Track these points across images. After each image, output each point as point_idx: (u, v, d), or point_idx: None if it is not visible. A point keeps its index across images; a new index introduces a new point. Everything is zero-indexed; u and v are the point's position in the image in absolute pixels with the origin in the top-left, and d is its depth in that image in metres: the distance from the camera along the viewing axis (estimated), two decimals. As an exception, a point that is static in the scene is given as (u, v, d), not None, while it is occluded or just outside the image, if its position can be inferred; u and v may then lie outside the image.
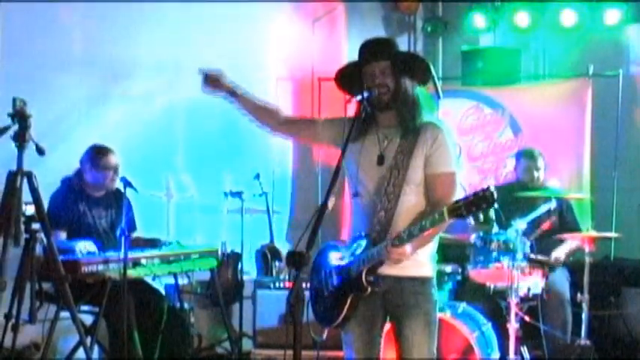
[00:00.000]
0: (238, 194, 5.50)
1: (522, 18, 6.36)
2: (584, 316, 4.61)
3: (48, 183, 4.07)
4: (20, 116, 3.47)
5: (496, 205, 4.60)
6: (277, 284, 5.34)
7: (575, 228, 4.97)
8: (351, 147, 2.94)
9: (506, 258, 4.40)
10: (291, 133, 3.37)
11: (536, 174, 5.07)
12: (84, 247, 4.14)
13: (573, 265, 4.95)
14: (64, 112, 5.23)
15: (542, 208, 4.74)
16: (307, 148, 6.51)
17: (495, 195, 2.54)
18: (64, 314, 3.84)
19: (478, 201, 2.57)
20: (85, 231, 4.37)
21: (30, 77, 4.97)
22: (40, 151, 3.53)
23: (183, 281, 4.97)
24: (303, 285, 2.67)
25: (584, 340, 4.60)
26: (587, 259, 4.60)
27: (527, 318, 4.53)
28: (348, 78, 3.06)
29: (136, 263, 4.17)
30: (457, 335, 4.19)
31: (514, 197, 4.91)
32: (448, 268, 4.54)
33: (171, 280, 4.88)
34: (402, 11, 6.83)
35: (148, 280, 4.53)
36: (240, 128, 5.99)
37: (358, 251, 2.91)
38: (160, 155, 5.64)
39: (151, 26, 5.64)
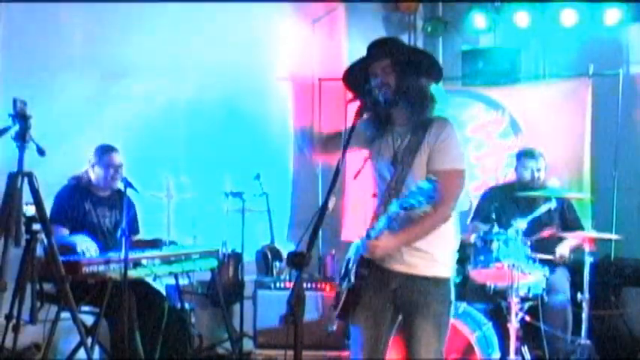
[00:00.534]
0: (239, 194, 5.51)
1: (522, 18, 6.35)
2: (584, 315, 4.60)
3: (49, 183, 4.07)
4: (21, 117, 3.48)
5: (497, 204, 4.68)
6: (278, 284, 5.35)
7: (577, 226, 4.98)
8: (372, 148, 3.04)
9: (509, 258, 4.39)
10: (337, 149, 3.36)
11: (536, 174, 5.08)
12: (84, 243, 4.14)
13: (574, 265, 4.95)
14: (64, 112, 5.23)
15: (543, 208, 4.75)
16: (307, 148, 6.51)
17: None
18: (65, 315, 3.84)
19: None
20: (88, 229, 4.39)
21: (30, 77, 4.98)
22: (41, 152, 3.54)
23: (184, 281, 4.97)
24: (304, 285, 2.68)
25: (584, 340, 4.60)
26: (588, 259, 4.60)
27: (527, 318, 4.53)
28: (355, 78, 3.08)
29: (137, 264, 4.17)
30: (458, 335, 4.18)
31: (514, 197, 4.92)
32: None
33: (172, 281, 4.89)
34: (402, 11, 6.82)
35: (149, 280, 4.53)
36: (240, 128, 6.02)
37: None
38: (160, 155, 5.64)
39: (151, 26, 5.64)
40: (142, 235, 4.76)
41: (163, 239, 4.72)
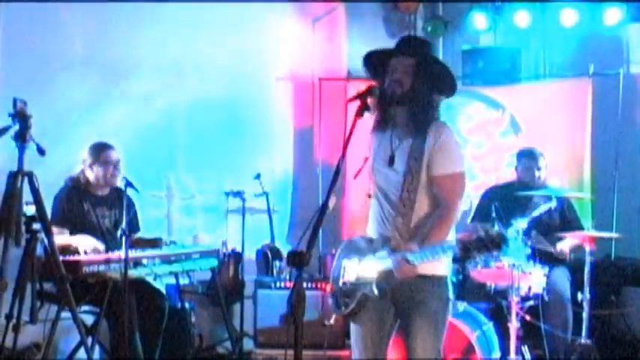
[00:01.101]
0: (239, 194, 5.50)
1: (522, 18, 6.35)
2: (584, 315, 4.60)
3: (49, 183, 4.07)
4: (21, 116, 3.47)
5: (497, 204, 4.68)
6: (278, 284, 5.34)
7: (578, 226, 4.98)
8: (371, 147, 3.08)
9: (509, 258, 4.39)
10: None
11: (537, 173, 5.07)
12: (85, 242, 4.14)
13: (574, 265, 4.95)
14: (64, 112, 5.24)
15: (543, 208, 4.75)
16: (308, 148, 6.52)
17: (506, 241, 2.72)
18: (65, 314, 3.84)
19: (488, 244, 2.69)
20: (88, 230, 4.38)
21: (30, 77, 4.98)
22: (41, 152, 3.53)
23: (184, 281, 4.97)
24: (304, 285, 2.68)
25: (584, 340, 4.60)
26: (588, 259, 4.60)
27: (527, 317, 4.53)
28: (376, 61, 3.09)
29: (137, 263, 4.17)
30: (458, 335, 4.18)
31: (515, 197, 4.92)
32: (449, 268, 4.54)
33: (172, 280, 4.88)
34: (402, 11, 6.82)
35: (149, 280, 4.52)
36: (240, 128, 6.02)
37: (378, 254, 2.94)
38: (160, 155, 5.65)
39: (151, 26, 5.64)
40: (142, 234, 4.75)
41: (163, 239, 4.72)
